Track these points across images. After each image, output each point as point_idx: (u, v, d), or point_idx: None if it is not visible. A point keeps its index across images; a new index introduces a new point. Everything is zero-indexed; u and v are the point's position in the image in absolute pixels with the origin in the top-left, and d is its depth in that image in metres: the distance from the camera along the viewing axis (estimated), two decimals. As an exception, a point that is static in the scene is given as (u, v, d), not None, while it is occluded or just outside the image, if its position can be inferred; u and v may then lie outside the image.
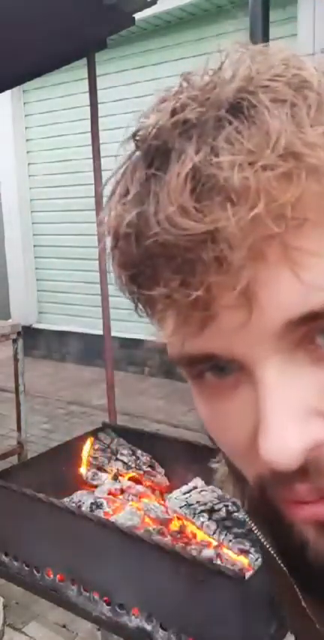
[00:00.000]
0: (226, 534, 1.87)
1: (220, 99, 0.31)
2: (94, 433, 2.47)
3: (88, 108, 3.10)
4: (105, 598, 1.71)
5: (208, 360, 0.34)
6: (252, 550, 1.77)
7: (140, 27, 5.10)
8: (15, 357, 3.48)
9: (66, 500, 2.05)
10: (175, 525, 1.94)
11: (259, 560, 1.65)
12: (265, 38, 2.05)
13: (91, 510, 1.97)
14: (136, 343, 5.44)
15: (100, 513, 1.94)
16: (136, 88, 5.46)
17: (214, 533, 1.89)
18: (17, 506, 1.95)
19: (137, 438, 2.44)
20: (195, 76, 0.34)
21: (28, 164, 6.91)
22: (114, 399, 3.24)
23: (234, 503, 1.94)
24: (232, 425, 0.35)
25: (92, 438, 2.42)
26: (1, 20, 2.38)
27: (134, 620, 1.64)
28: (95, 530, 1.73)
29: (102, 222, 0.35)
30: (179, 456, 2.23)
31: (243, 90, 0.31)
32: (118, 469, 2.30)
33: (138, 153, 0.33)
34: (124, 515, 1.94)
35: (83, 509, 1.96)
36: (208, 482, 2.09)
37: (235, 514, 1.93)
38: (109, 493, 2.14)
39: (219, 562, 1.68)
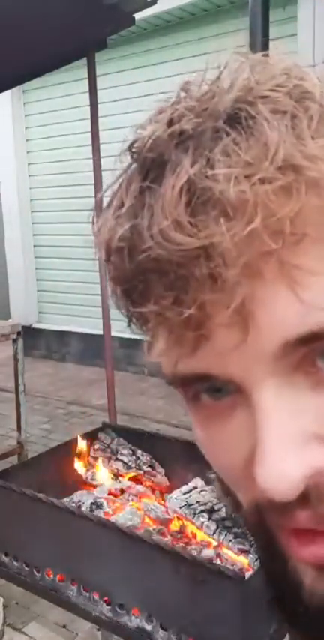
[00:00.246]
0: (226, 534, 1.87)
1: (218, 109, 0.30)
2: (94, 433, 2.47)
3: (88, 108, 3.10)
4: (105, 598, 1.71)
5: (203, 380, 0.33)
6: (252, 550, 1.77)
7: (140, 27, 5.10)
8: (15, 357, 3.48)
9: (66, 500, 2.05)
10: (175, 525, 1.94)
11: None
12: (265, 38, 2.05)
13: (91, 510, 1.97)
14: (136, 343, 5.43)
15: (100, 513, 1.94)
16: (136, 88, 5.47)
17: (214, 533, 1.89)
18: (17, 506, 1.95)
19: (137, 438, 2.43)
20: (193, 85, 0.33)
21: (28, 164, 6.91)
22: (114, 399, 3.24)
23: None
24: (227, 449, 0.34)
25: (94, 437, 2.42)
26: (1, 20, 2.38)
27: (134, 620, 1.64)
28: (95, 530, 1.73)
29: (96, 234, 0.34)
30: (179, 456, 2.23)
31: (242, 100, 0.30)
32: (117, 469, 2.30)
33: (134, 165, 0.33)
34: (124, 515, 1.93)
35: (83, 509, 1.96)
36: (208, 483, 2.09)
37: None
38: (109, 493, 2.14)
39: (219, 562, 1.68)
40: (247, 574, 1.56)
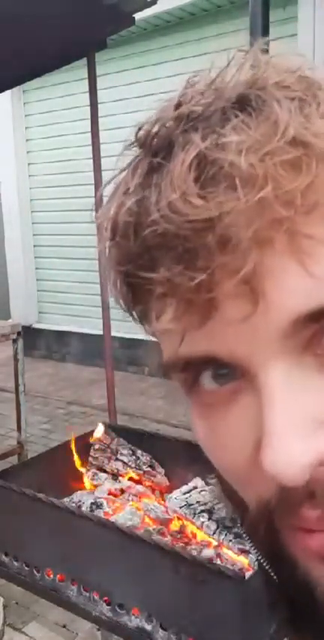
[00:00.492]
0: (226, 534, 1.87)
1: (228, 92, 0.31)
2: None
3: (88, 108, 3.10)
4: (105, 598, 1.71)
5: (207, 363, 0.32)
6: (252, 550, 1.77)
7: (140, 27, 5.10)
8: (15, 357, 3.48)
9: (66, 500, 2.05)
10: (175, 525, 1.94)
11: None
12: (265, 38, 2.05)
13: (91, 510, 1.97)
14: (136, 343, 5.44)
15: (100, 513, 1.94)
16: (136, 88, 5.47)
17: (214, 533, 1.89)
18: (17, 506, 1.95)
19: (137, 438, 2.43)
20: (200, 77, 0.33)
21: (28, 164, 6.91)
22: (114, 399, 3.24)
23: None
24: (230, 438, 0.32)
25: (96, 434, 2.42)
26: (1, 20, 2.38)
27: (134, 620, 1.64)
28: (95, 530, 1.73)
29: (99, 219, 0.33)
30: (179, 456, 2.23)
31: (251, 84, 0.31)
32: (117, 469, 2.30)
33: (140, 150, 0.33)
34: (124, 515, 1.93)
35: (83, 509, 1.96)
36: (208, 483, 2.09)
37: (235, 514, 1.92)
38: (109, 493, 2.14)
39: (219, 562, 1.68)
40: (247, 574, 1.56)
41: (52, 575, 1.84)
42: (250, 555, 1.76)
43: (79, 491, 2.17)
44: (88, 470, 2.31)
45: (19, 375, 3.48)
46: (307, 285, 0.28)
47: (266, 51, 0.34)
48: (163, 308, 0.31)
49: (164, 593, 1.60)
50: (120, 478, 2.26)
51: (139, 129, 0.33)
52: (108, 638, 1.94)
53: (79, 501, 2.07)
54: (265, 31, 2.08)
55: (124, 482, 2.23)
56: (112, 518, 1.87)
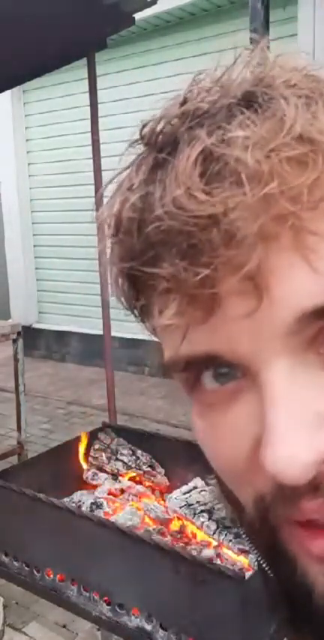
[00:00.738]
0: (226, 534, 1.87)
1: (234, 89, 0.31)
2: (94, 433, 2.47)
3: (88, 108, 3.10)
4: (105, 598, 1.71)
5: (209, 362, 0.31)
6: (252, 550, 1.77)
7: (140, 27, 5.10)
8: (15, 357, 3.48)
9: (66, 500, 2.05)
10: (175, 525, 1.94)
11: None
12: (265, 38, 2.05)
13: (91, 510, 1.97)
14: (136, 343, 5.44)
15: (100, 513, 1.94)
16: (136, 88, 5.47)
17: (214, 533, 1.89)
18: (17, 506, 1.95)
19: (137, 438, 2.43)
20: (206, 75, 0.33)
21: (28, 164, 6.91)
22: (114, 399, 3.24)
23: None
24: (230, 437, 0.32)
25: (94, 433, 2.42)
26: (1, 20, 2.38)
27: (134, 620, 1.64)
28: (95, 530, 1.73)
29: (101, 216, 0.33)
30: (179, 456, 2.23)
31: (258, 82, 0.31)
32: (117, 469, 2.30)
33: (145, 147, 0.32)
34: (124, 515, 1.94)
35: (83, 509, 1.96)
36: (208, 483, 2.09)
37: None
38: (109, 493, 2.14)
39: (219, 562, 1.68)
40: (247, 574, 1.56)
41: (52, 575, 1.84)
42: (250, 555, 1.76)
43: (79, 491, 2.17)
44: (88, 470, 2.32)
45: (19, 375, 3.48)
46: (311, 282, 0.28)
47: (268, 49, 0.34)
48: (167, 303, 0.31)
49: (164, 593, 1.60)
50: (120, 478, 2.26)
51: (144, 126, 0.33)
52: (108, 638, 1.94)
53: (79, 501, 2.07)
54: (265, 31, 2.08)
55: (124, 482, 2.23)
56: (112, 518, 1.87)
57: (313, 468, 0.28)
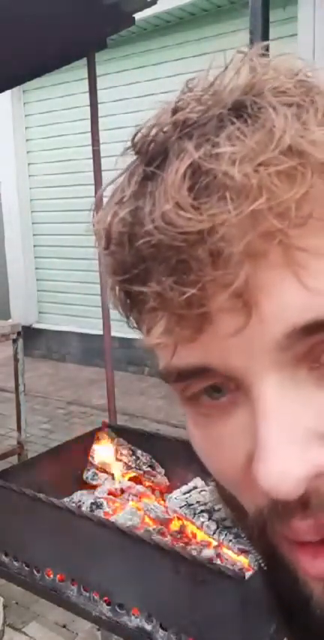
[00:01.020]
0: (226, 534, 1.87)
1: (224, 99, 0.30)
2: (94, 433, 2.47)
3: (88, 108, 3.10)
4: (105, 598, 1.71)
5: (200, 375, 0.31)
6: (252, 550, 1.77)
7: (140, 27, 5.10)
8: (15, 357, 3.48)
9: (66, 500, 2.05)
10: (175, 525, 1.94)
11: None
12: (265, 38, 2.05)
13: (91, 510, 1.97)
14: (136, 343, 5.43)
15: (100, 513, 1.94)
16: (136, 88, 5.47)
17: (214, 533, 1.89)
18: (17, 506, 1.95)
19: (137, 438, 2.43)
20: (197, 80, 0.33)
21: (28, 164, 6.91)
22: (114, 399, 3.24)
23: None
24: (226, 449, 0.32)
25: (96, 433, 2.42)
26: (1, 20, 2.38)
27: (134, 620, 1.64)
28: (95, 530, 1.73)
29: (96, 226, 0.33)
30: (179, 456, 2.23)
31: (248, 90, 0.30)
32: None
33: (136, 156, 0.32)
34: (124, 515, 1.93)
35: (83, 509, 1.96)
36: (208, 483, 2.09)
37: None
38: (109, 493, 2.14)
39: (219, 562, 1.68)
40: (247, 574, 1.56)
41: (52, 575, 1.84)
42: (250, 555, 1.76)
43: (79, 491, 2.17)
44: (88, 470, 2.32)
45: (19, 375, 3.48)
46: (301, 298, 0.28)
47: (266, 51, 0.33)
48: (155, 320, 0.31)
49: (164, 593, 1.60)
50: (120, 478, 2.26)
51: (136, 134, 0.33)
52: (108, 638, 1.94)
53: (79, 501, 2.07)
54: (265, 31, 2.08)
55: (124, 482, 2.23)
56: (112, 518, 1.87)
57: (304, 483, 0.28)
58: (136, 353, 5.59)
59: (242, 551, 1.79)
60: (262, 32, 2.05)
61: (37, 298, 7.06)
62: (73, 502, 2.05)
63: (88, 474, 2.30)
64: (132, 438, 2.44)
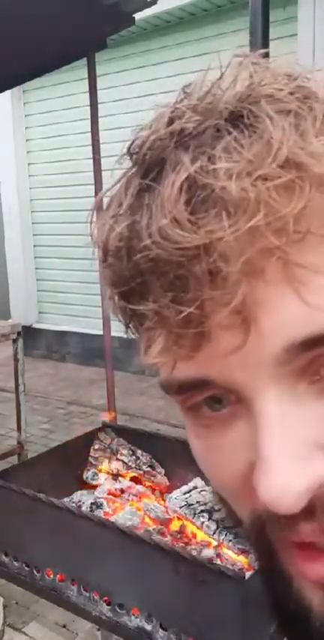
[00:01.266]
0: (226, 534, 1.87)
1: (220, 108, 0.30)
2: (94, 433, 2.47)
3: (88, 108, 3.10)
4: (105, 598, 1.71)
5: (200, 388, 0.31)
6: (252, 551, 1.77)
7: (140, 27, 5.10)
8: (15, 357, 3.48)
9: (66, 500, 2.05)
10: (175, 525, 1.94)
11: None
12: (265, 38, 2.05)
13: (91, 510, 1.97)
14: (136, 343, 5.43)
15: (100, 513, 1.94)
16: (136, 88, 5.47)
17: (214, 533, 1.89)
18: (17, 506, 1.95)
19: (137, 438, 2.43)
20: (194, 86, 0.32)
21: (28, 164, 6.92)
22: (114, 399, 3.24)
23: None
24: (226, 460, 0.32)
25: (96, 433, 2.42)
26: (1, 20, 2.38)
27: (134, 620, 1.63)
28: (95, 530, 1.72)
29: (94, 235, 0.33)
30: (179, 456, 2.23)
31: (244, 99, 0.30)
32: (117, 469, 2.30)
33: (133, 165, 0.32)
34: (124, 515, 1.93)
35: (83, 509, 1.96)
36: (208, 483, 2.09)
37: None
38: (109, 493, 2.14)
39: (219, 562, 1.68)
40: (247, 574, 1.56)
41: (52, 575, 1.84)
42: (250, 555, 1.76)
43: (79, 491, 2.17)
44: (88, 470, 2.31)
45: (19, 375, 3.48)
46: (300, 314, 0.28)
47: (266, 55, 0.33)
48: (152, 338, 0.31)
49: (164, 593, 1.60)
50: (120, 478, 2.26)
51: (133, 142, 0.32)
52: (108, 638, 1.94)
53: (79, 501, 2.07)
54: (265, 31, 2.07)
55: (124, 482, 2.23)
56: (112, 518, 1.87)
57: (306, 496, 0.28)
58: (136, 353, 5.59)
59: (242, 551, 1.79)
60: (262, 32, 2.05)
61: (37, 298, 7.06)
62: (73, 502, 2.05)
63: (88, 474, 2.30)
64: (132, 438, 2.44)
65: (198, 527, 1.94)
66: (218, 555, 1.75)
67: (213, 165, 0.28)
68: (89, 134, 3.15)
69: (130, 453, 2.37)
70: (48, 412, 4.95)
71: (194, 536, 1.91)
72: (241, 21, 3.74)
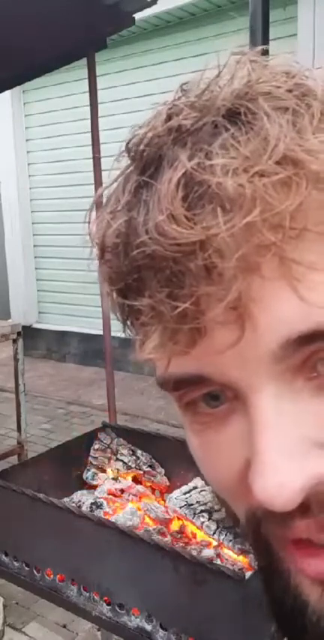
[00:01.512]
0: (226, 534, 1.87)
1: (217, 105, 0.30)
2: (94, 433, 2.47)
3: (88, 108, 3.10)
4: (105, 598, 1.71)
5: (196, 384, 0.31)
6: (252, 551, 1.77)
7: (140, 27, 5.10)
8: (15, 357, 3.48)
9: (66, 500, 2.05)
10: (175, 525, 1.94)
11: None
12: (265, 38, 2.05)
13: (91, 510, 1.97)
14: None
15: (100, 513, 1.94)
16: (136, 88, 5.47)
17: (214, 533, 1.89)
18: (17, 506, 1.95)
19: (137, 438, 2.43)
20: (192, 84, 0.32)
21: (28, 164, 6.92)
22: (114, 399, 3.24)
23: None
24: (223, 457, 0.32)
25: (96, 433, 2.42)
26: (1, 20, 2.38)
27: (134, 620, 1.63)
28: (95, 530, 1.72)
29: (91, 232, 0.33)
30: (179, 456, 2.23)
31: (242, 96, 0.30)
32: (118, 469, 2.30)
33: (131, 162, 0.32)
34: (124, 515, 1.93)
35: (83, 509, 1.96)
36: (207, 482, 2.09)
37: (235, 514, 1.92)
38: (109, 493, 2.14)
39: (219, 562, 1.68)
40: (247, 574, 1.56)
41: (52, 575, 1.84)
42: (250, 555, 1.76)
43: (79, 491, 2.17)
44: (88, 470, 2.31)
45: (19, 375, 3.49)
46: (296, 310, 0.28)
47: (266, 53, 0.33)
48: (148, 334, 0.31)
49: (164, 593, 1.60)
50: (120, 478, 2.26)
51: (130, 139, 0.32)
52: (108, 638, 1.94)
53: (79, 501, 2.07)
54: (265, 31, 2.08)
55: (124, 482, 2.23)
56: (112, 518, 1.87)
57: (301, 493, 0.28)
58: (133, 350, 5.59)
59: (242, 551, 1.78)
60: (262, 32, 2.06)
61: (37, 298, 7.06)
62: (73, 502, 2.05)
63: (88, 474, 2.30)
64: (132, 438, 2.44)
65: (198, 527, 1.94)
66: (218, 555, 1.75)
67: (210, 162, 0.28)
68: (89, 134, 3.15)
69: (130, 453, 2.37)
70: (48, 412, 4.95)
71: (194, 536, 1.91)
72: (241, 21, 3.74)
